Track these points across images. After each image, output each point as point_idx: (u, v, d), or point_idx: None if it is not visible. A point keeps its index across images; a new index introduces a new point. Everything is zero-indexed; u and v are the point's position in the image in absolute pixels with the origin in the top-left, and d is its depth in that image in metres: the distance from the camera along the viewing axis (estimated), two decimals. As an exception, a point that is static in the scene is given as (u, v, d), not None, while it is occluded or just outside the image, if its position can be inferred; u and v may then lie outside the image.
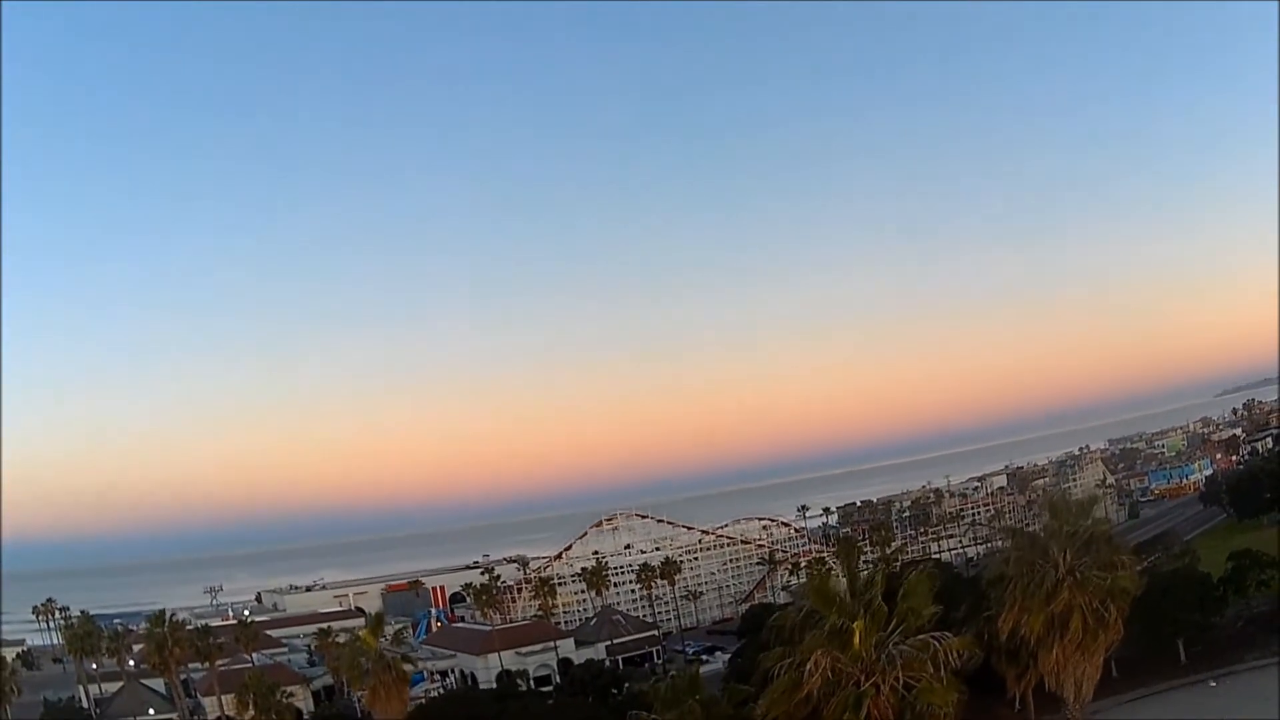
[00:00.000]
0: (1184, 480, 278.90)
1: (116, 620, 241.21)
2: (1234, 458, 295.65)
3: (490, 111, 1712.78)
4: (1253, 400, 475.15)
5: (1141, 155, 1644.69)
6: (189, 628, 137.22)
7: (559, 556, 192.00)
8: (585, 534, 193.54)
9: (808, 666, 31.11)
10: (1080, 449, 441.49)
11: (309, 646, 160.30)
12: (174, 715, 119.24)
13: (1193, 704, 77.50)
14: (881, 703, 30.37)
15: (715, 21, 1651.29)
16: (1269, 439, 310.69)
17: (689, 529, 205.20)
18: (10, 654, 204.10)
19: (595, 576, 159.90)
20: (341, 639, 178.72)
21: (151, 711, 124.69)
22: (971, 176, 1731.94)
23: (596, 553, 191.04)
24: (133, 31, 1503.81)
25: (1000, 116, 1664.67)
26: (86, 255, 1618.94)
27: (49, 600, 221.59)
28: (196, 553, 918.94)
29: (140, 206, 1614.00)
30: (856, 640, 30.86)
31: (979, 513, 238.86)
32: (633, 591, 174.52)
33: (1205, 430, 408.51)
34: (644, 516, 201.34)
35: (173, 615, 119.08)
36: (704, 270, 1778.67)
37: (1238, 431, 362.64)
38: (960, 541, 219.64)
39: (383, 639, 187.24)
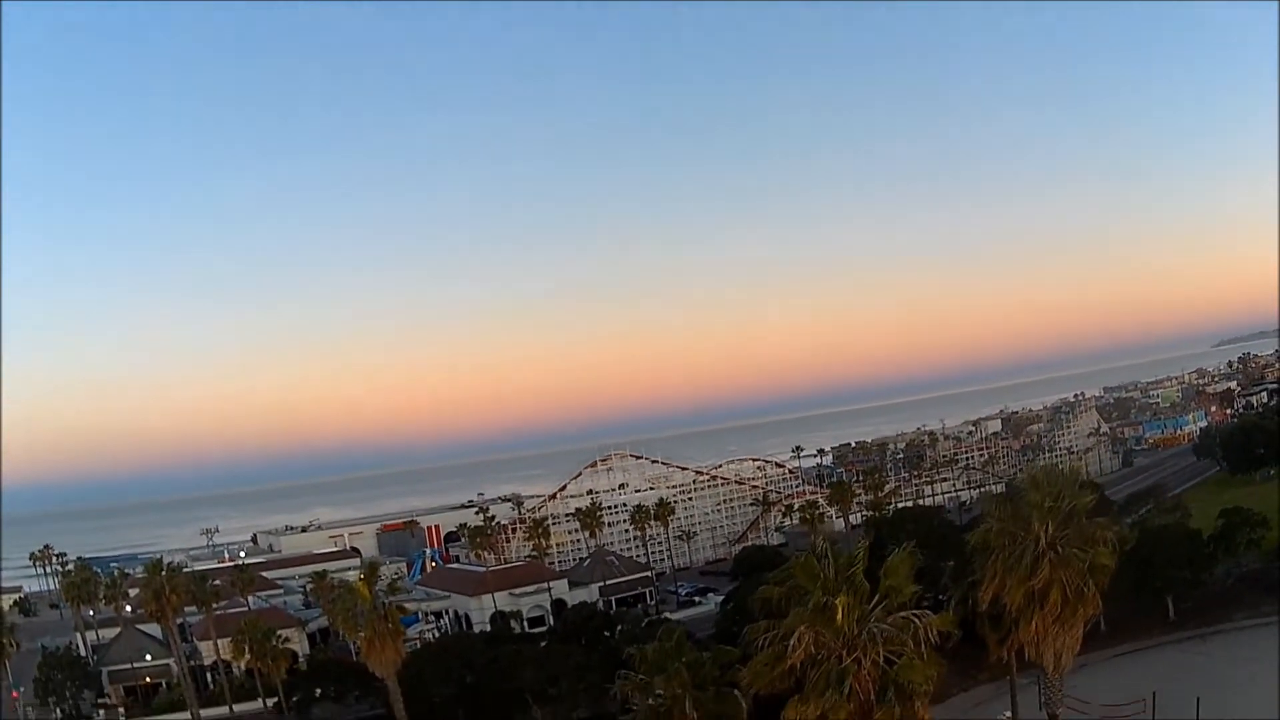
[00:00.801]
0: (1178, 431, 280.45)
1: (113, 564, 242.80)
2: (1228, 410, 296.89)
3: (496, 51, 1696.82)
4: (1249, 354, 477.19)
5: (1143, 106, 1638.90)
6: (185, 571, 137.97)
7: (554, 496, 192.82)
8: (580, 474, 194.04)
9: (790, 642, 31.38)
10: (1075, 396, 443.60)
11: (304, 588, 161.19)
12: (170, 661, 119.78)
13: (1180, 662, 77.92)
14: (863, 677, 30.62)
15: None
16: (1264, 393, 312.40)
17: (683, 469, 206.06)
18: (8, 601, 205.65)
19: (589, 518, 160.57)
20: (337, 580, 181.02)
21: (149, 657, 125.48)
22: (974, 123, 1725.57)
23: (591, 491, 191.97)
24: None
25: (1005, 65, 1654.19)
26: (81, 197, 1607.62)
27: (46, 547, 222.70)
28: (192, 492, 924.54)
29: (139, 145, 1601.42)
30: (839, 616, 31.05)
31: (973, 457, 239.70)
32: (626, 531, 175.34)
33: (1200, 382, 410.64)
34: (639, 457, 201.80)
35: (170, 563, 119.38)
36: (702, 211, 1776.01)
37: (1233, 385, 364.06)
38: (954, 485, 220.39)
39: (378, 580, 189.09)
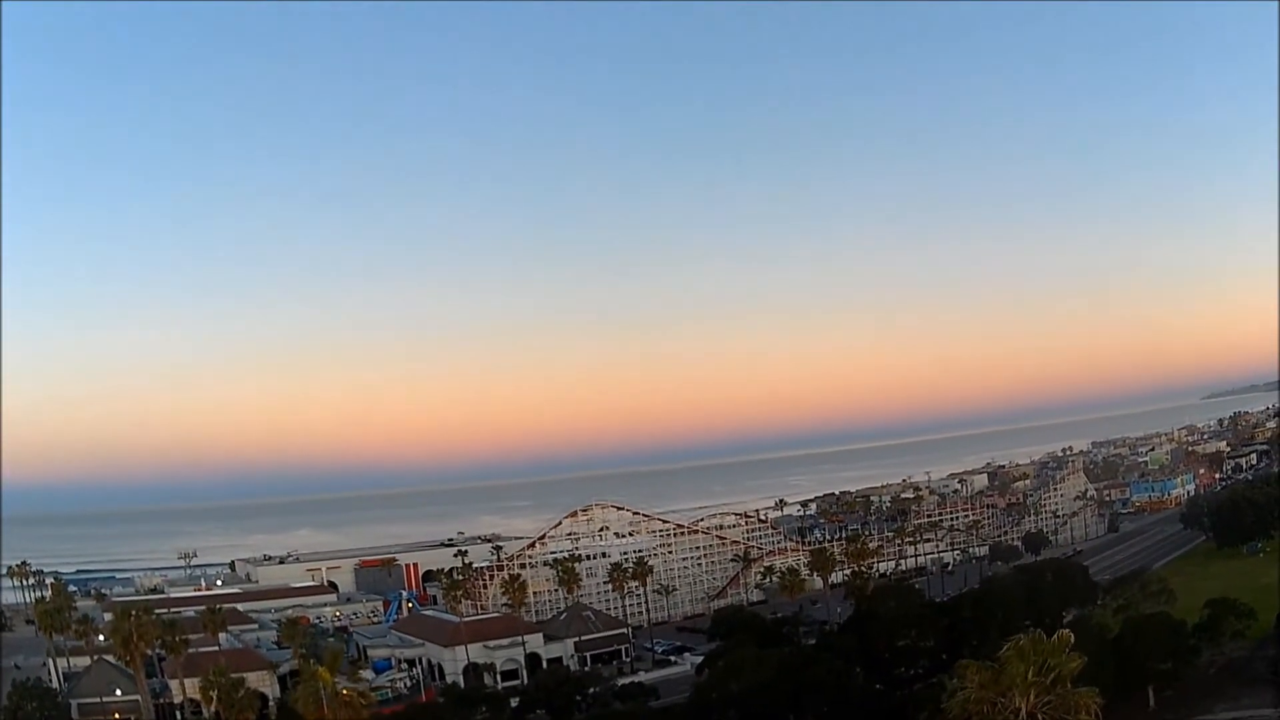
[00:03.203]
0: (1166, 495, 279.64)
1: (91, 585, 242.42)
2: (1217, 475, 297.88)
3: (490, 75, 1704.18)
4: (1239, 413, 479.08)
5: (1141, 152, 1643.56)
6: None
7: (533, 545, 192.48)
8: (560, 523, 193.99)
9: None
10: (1063, 450, 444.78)
11: (279, 623, 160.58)
12: (138, 698, 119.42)
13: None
14: None
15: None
16: (1253, 454, 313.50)
17: (664, 521, 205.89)
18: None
19: (567, 575, 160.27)
20: (313, 616, 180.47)
21: (119, 692, 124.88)
22: (968, 167, 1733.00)
23: (572, 534, 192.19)
24: None
25: (999, 109, 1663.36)
26: (80, 201, 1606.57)
27: (23, 562, 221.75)
28: (178, 503, 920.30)
29: (138, 148, 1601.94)
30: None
31: (957, 517, 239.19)
32: (605, 582, 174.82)
33: (1190, 439, 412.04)
34: (620, 508, 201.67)
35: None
36: (696, 244, 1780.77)
37: (1223, 445, 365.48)
38: (937, 546, 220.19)
39: (353, 616, 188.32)
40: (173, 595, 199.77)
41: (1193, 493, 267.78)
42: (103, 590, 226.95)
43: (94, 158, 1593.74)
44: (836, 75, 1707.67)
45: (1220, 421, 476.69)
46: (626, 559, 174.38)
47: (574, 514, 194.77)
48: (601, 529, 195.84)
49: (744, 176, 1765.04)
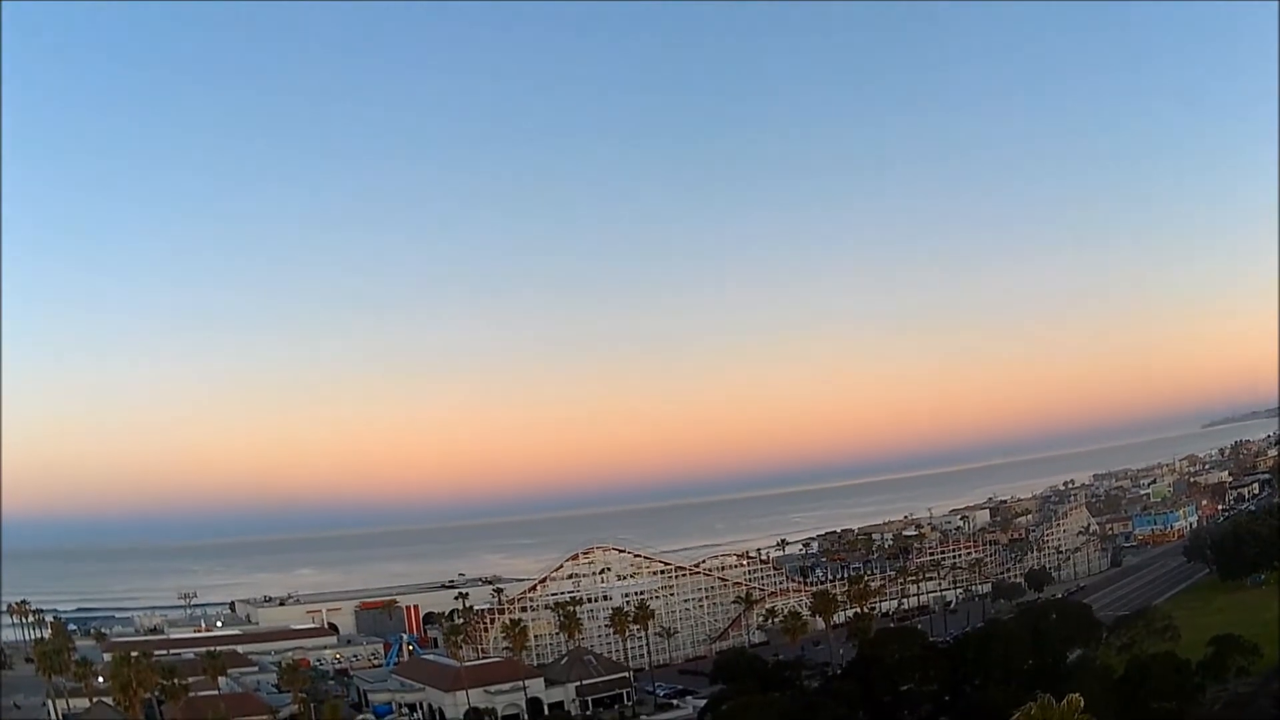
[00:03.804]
0: (1169, 528, 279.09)
1: (92, 624, 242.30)
2: (1220, 506, 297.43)
3: (496, 107, 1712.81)
4: (1240, 441, 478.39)
5: (1138, 179, 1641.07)
6: (157, 654, 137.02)
7: (534, 588, 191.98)
8: (561, 566, 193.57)
9: None
10: (1065, 484, 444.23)
11: (279, 665, 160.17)
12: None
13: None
14: None
15: (721, 21, 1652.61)
16: (1255, 484, 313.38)
17: (666, 563, 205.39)
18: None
19: (569, 620, 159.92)
20: (314, 659, 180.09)
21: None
22: (964, 196, 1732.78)
23: (574, 576, 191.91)
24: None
25: (996, 135, 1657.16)
26: (80, 241, 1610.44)
27: (23, 601, 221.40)
28: (180, 539, 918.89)
29: (133, 185, 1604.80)
30: None
31: (959, 556, 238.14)
32: (607, 625, 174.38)
33: (1191, 470, 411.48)
34: (621, 550, 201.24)
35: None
36: (699, 278, 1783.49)
37: (1225, 475, 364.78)
38: (940, 585, 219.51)
39: (353, 659, 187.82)
40: (173, 636, 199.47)
41: (1195, 524, 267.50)
42: (103, 630, 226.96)
43: (95, 183, 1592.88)
44: (843, 100, 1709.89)
45: (1222, 451, 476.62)
46: (628, 601, 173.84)
47: (575, 556, 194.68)
48: (603, 571, 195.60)
49: (742, 210, 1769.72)
